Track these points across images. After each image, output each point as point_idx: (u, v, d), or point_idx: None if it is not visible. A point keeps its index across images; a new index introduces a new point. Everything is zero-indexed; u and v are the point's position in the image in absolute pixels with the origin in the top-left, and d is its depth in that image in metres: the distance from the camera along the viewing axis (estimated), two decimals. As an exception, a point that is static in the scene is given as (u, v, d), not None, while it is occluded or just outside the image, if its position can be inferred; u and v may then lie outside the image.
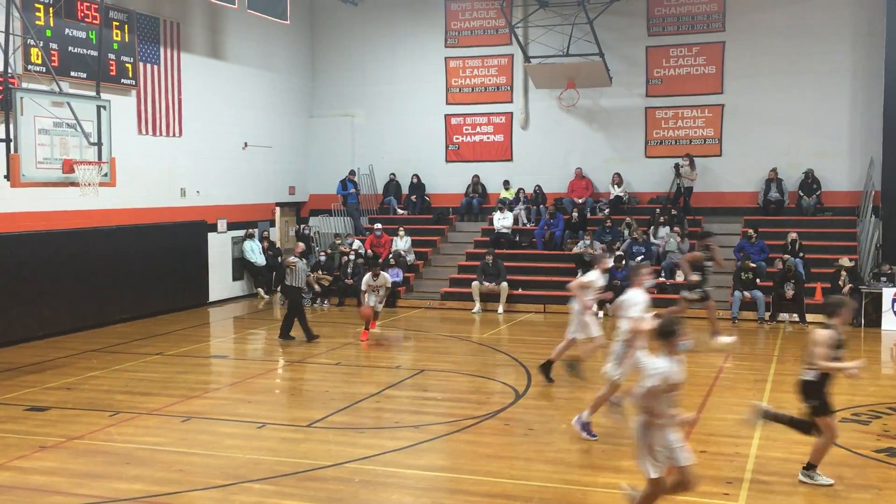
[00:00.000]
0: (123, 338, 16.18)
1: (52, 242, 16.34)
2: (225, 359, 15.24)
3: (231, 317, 19.60)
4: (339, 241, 21.93)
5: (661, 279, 19.35)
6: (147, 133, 19.00)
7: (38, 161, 12.94)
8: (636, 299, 9.51)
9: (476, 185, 23.66)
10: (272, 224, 23.63)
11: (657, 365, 6.41)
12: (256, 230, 22.37)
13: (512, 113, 23.68)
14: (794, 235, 19.05)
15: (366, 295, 16.04)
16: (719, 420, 10.37)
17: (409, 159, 24.27)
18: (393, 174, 24.40)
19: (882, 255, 18.65)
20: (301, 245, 17.39)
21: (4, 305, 15.28)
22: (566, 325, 17.50)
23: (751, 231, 19.46)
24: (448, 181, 24.12)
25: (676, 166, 21.54)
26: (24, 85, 14.48)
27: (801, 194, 20.96)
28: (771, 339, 16.32)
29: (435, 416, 10.62)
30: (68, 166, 13.27)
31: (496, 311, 19.39)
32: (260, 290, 21.94)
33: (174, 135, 19.82)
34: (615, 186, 22.25)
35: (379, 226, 22.06)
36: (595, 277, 11.55)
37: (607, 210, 21.90)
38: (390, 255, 21.22)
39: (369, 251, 21.67)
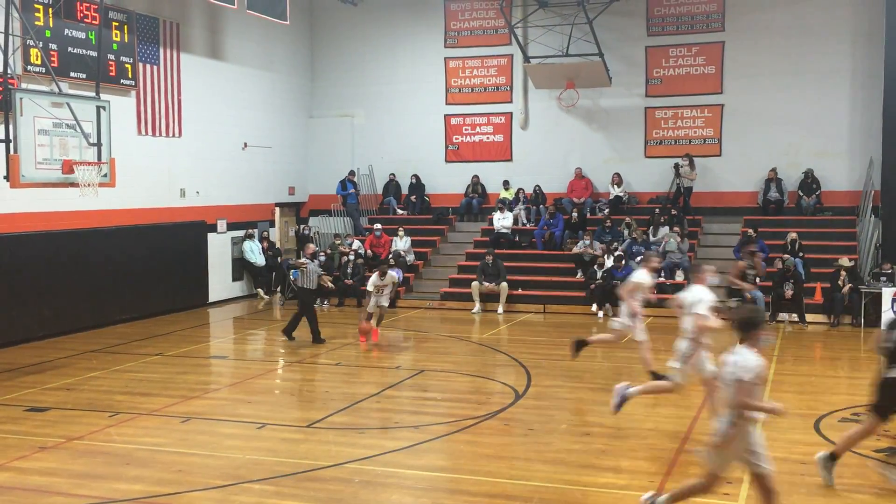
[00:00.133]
0: (123, 338, 16.17)
1: (52, 243, 16.34)
2: (225, 359, 15.24)
3: (231, 317, 19.60)
4: (339, 242, 21.93)
5: (661, 279, 19.37)
6: (147, 133, 19.01)
7: (38, 162, 12.93)
8: (700, 296, 9.25)
9: (476, 185, 23.66)
10: (272, 224, 23.63)
11: (748, 359, 6.10)
12: (256, 230, 22.37)
13: (511, 113, 23.69)
14: (793, 235, 19.06)
15: (372, 296, 15.43)
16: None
17: (408, 159, 24.27)
18: (392, 174, 24.40)
19: (882, 254, 18.65)
20: (311, 246, 17.27)
21: (4, 306, 15.28)
22: (567, 326, 17.69)
23: (750, 231, 19.47)
24: (448, 181, 24.12)
25: (676, 166, 21.55)
26: (24, 85, 14.49)
27: (801, 194, 20.97)
28: (770, 338, 16.30)
29: (435, 417, 10.62)
30: (68, 167, 13.27)
31: (496, 311, 19.39)
32: (260, 290, 21.94)
33: (174, 135, 19.82)
34: (615, 186, 22.25)
35: (378, 226, 22.06)
36: (644, 278, 11.47)
37: (607, 210, 21.91)
38: (390, 256, 21.22)
39: (369, 251, 21.67)
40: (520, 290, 19.94)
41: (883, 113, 19.32)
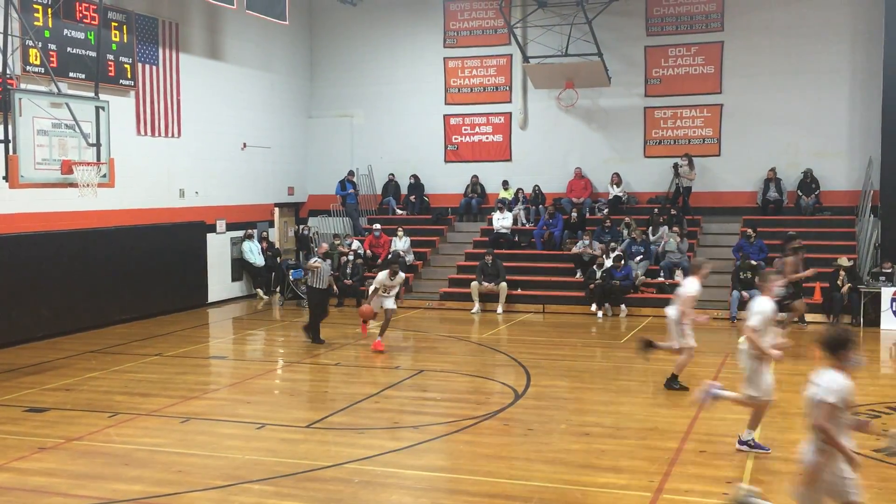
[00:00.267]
0: (122, 339, 16.17)
1: (51, 243, 16.33)
2: (224, 359, 15.23)
3: (230, 317, 19.59)
4: (339, 242, 21.92)
5: (661, 279, 19.39)
6: (146, 134, 19.00)
7: (37, 162, 12.92)
8: (761, 308, 8.85)
9: (475, 185, 23.66)
10: (271, 225, 23.63)
11: (834, 380, 5.67)
12: (255, 231, 22.36)
13: (511, 113, 23.68)
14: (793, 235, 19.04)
15: (377, 294, 14.76)
16: (718, 420, 10.36)
17: (407, 159, 24.27)
18: (392, 174, 24.40)
19: (881, 254, 18.66)
20: (325, 246, 17.15)
21: (3, 306, 15.27)
22: (566, 326, 17.70)
23: (749, 231, 19.47)
24: (447, 181, 24.12)
25: (675, 166, 21.55)
26: (23, 86, 14.48)
27: (800, 194, 20.97)
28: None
29: (434, 417, 10.62)
30: (67, 167, 13.26)
31: (495, 311, 19.39)
32: (259, 290, 21.93)
33: (173, 135, 19.81)
34: (614, 186, 22.24)
35: (378, 226, 22.06)
36: (696, 286, 11.29)
37: (606, 210, 21.91)
38: (389, 256, 21.19)
39: (368, 252, 21.67)
40: (519, 290, 19.93)
41: (882, 112, 19.33)
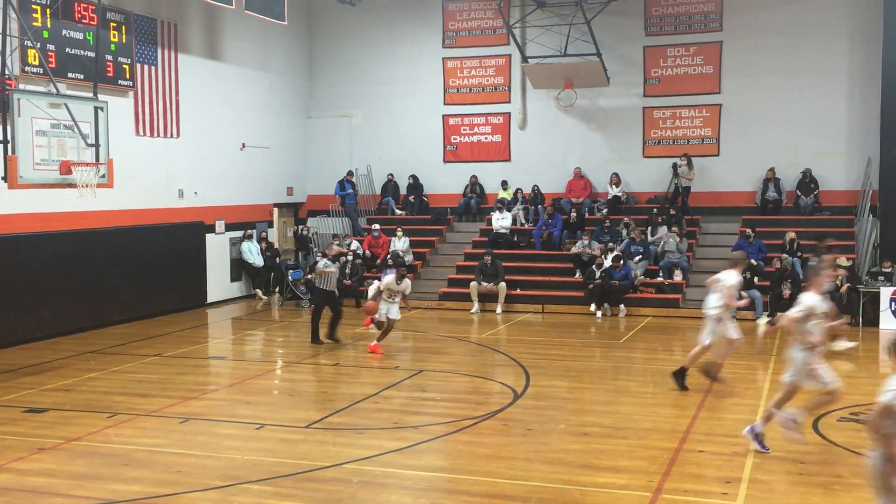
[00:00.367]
0: (122, 339, 16.16)
1: (50, 244, 16.32)
2: (223, 360, 15.23)
3: (229, 318, 19.59)
4: (338, 242, 21.90)
5: (660, 279, 19.39)
6: (144, 134, 18.99)
7: (36, 162, 12.93)
8: (807, 301, 8.73)
9: (474, 185, 23.66)
10: (270, 225, 23.62)
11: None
12: (255, 231, 22.36)
13: (510, 113, 23.69)
14: (792, 235, 19.07)
15: (382, 301, 14.32)
16: (717, 419, 10.38)
17: (407, 160, 24.27)
18: (391, 175, 24.40)
19: (880, 253, 18.67)
20: (336, 248, 17.04)
21: (2, 307, 15.26)
22: (566, 326, 17.70)
23: (749, 231, 19.48)
24: (446, 181, 24.11)
25: (674, 166, 21.56)
26: (22, 86, 14.46)
27: (799, 194, 20.98)
28: (769, 338, 16.30)
29: (433, 417, 10.62)
30: (66, 168, 13.26)
31: (494, 311, 19.39)
32: (258, 290, 21.92)
33: (172, 136, 19.81)
34: (613, 186, 22.25)
35: (377, 226, 22.05)
36: (736, 279, 11.37)
37: (605, 210, 21.91)
38: (388, 256, 21.22)
39: (367, 252, 21.67)
40: (518, 291, 19.93)
41: (881, 112, 19.32)
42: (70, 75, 16.66)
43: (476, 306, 19.53)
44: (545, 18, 22.03)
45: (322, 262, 15.57)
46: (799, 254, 18.68)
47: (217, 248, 21.28)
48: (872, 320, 17.09)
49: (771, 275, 18.15)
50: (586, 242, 20.27)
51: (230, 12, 19.67)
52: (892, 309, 17.01)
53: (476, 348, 15.56)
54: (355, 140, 24.87)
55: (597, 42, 21.11)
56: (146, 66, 18.94)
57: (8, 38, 13.44)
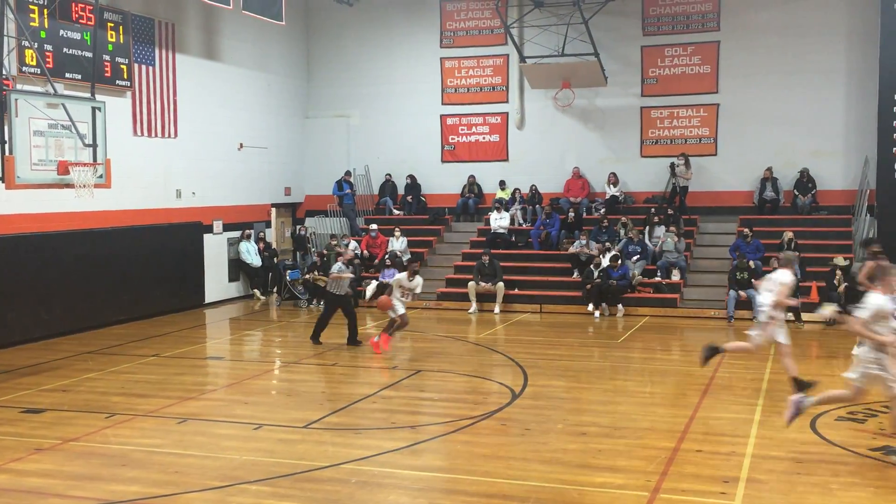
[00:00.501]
0: (119, 339, 16.15)
1: (48, 244, 16.31)
2: (221, 360, 15.22)
3: (227, 318, 19.58)
4: (336, 242, 21.91)
5: (657, 279, 19.41)
6: (142, 134, 18.98)
7: (33, 163, 12.92)
8: (873, 302, 8.56)
9: (472, 185, 23.66)
10: (268, 225, 23.61)
11: None
12: (252, 231, 22.35)
13: (507, 113, 23.69)
14: (789, 234, 19.09)
15: (393, 298, 14.14)
16: (715, 419, 10.38)
17: (404, 160, 24.27)
18: (389, 175, 24.39)
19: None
20: (350, 252, 16.94)
21: (0, 307, 15.25)
22: (564, 325, 17.70)
23: (746, 230, 19.50)
24: (444, 181, 24.12)
25: (672, 166, 21.57)
26: (19, 86, 14.44)
27: (797, 193, 21.01)
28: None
29: (431, 417, 10.62)
30: (63, 168, 13.25)
31: (492, 311, 19.39)
32: (256, 291, 21.91)
33: (169, 136, 19.80)
34: (611, 186, 22.27)
35: (374, 226, 22.05)
36: (790, 279, 11.06)
37: (603, 210, 21.92)
38: (386, 256, 21.22)
39: (365, 252, 21.66)
40: (516, 290, 19.94)
41: (878, 112, 19.37)
42: (67, 75, 16.65)
43: (474, 306, 19.53)
44: (543, 18, 22.05)
45: (336, 267, 15.37)
46: (797, 253, 18.67)
47: (215, 249, 21.27)
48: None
49: (768, 275, 18.12)
50: (584, 242, 20.29)
51: (228, 12, 19.66)
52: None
53: (474, 348, 15.57)
54: (353, 140, 24.86)
55: (594, 42, 21.13)
56: (144, 67, 18.93)
57: (5, 39, 13.42)
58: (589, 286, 18.99)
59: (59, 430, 10.03)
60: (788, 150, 21.32)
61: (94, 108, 13.81)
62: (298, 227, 24.09)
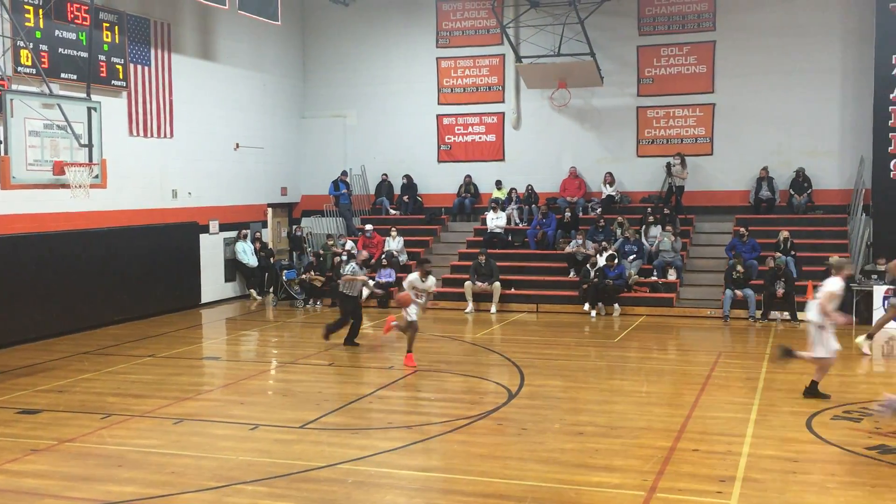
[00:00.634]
0: (115, 340, 16.12)
1: (43, 245, 16.28)
2: (217, 360, 15.21)
3: (223, 318, 19.55)
4: (332, 242, 21.91)
5: (654, 278, 19.42)
6: (138, 134, 18.95)
7: (29, 163, 12.89)
8: None
9: (468, 185, 23.66)
10: (264, 225, 23.59)
11: None
12: (249, 231, 22.32)
13: (504, 113, 23.69)
14: (785, 234, 19.11)
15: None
16: (712, 418, 10.39)
17: (401, 160, 24.26)
18: (385, 174, 24.39)
19: (873, 252, 18.72)
20: (364, 253, 16.87)
21: (-5, 308, 15.24)
22: (560, 325, 17.71)
23: (742, 230, 19.52)
24: (440, 181, 24.12)
25: (668, 165, 21.59)
26: (14, 87, 14.44)
27: (792, 193, 21.03)
28: (762, 337, 16.38)
29: (428, 417, 10.62)
30: (59, 168, 13.23)
31: (489, 310, 19.39)
32: (252, 291, 21.90)
33: (165, 136, 19.77)
34: (607, 186, 22.28)
35: (369, 227, 22.03)
36: (838, 287, 10.83)
37: (599, 209, 21.93)
38: (382, 256, 21.22)
39: (363, 252, 21.63)
40: (513, 290, 19.95)
41: (873, 111, 19.36)
42: (63, 75, 16.61)
43: (470, 306, 19.53)
44: (539, 18, 22.05)
45: (350, 268, 15.22)
46: (792, 253, 18.74)
47: (211, 249, 21.25)
48: (866, 319, 17.11)
49: (764, 274, 18.19)
50: (580, 242, 20.30)
51: (223, 12, 19.63)
52: (885, 307, 17.03)
53: (471, 348, 15.57)
54: (349, 140, 24.85)
55: (590, 42, 21.14)
56: (139, 67, 18.90)
57: (0, 39, 13.41)
58: (585, 286, 19.00)
59: (55, 431, 10.01)
60: (784, 150, 21.35)
61: (89, 109, 13.79)
62: (295, 227, 24.09)
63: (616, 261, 19.11)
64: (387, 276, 20.54)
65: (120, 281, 17.99)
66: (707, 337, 16.70)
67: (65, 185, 13.46)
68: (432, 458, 9.24)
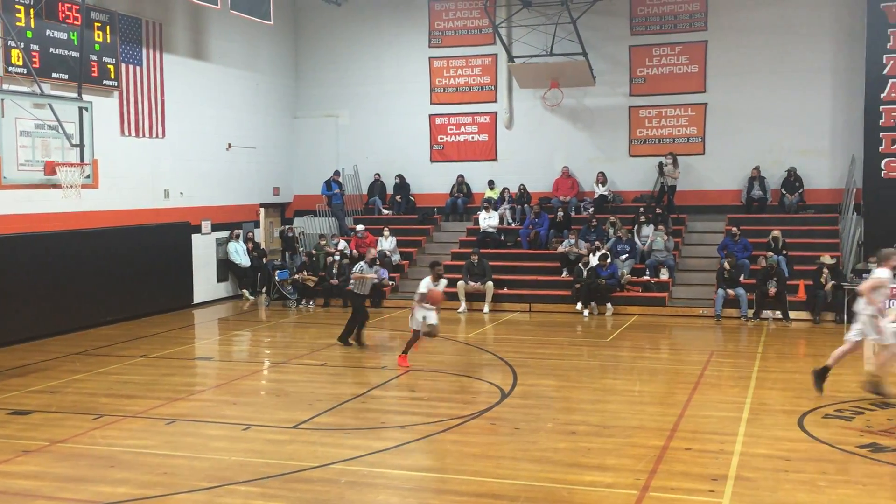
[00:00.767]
0: (107, 340, 16.08)
1: (35, 245, 16.21)
2: (210, 361, 15.18)
3: (216, 318, 19.52)
4: (325, 242, 21.89)
5: (646, 277, 19.46)
6: (130, 134, 18.90)
7: (20, 163, 12.89)
8: None
9: (461, 184, 23.67)
10: (257, 225, 23.56)
11: None
12: (241, 231, 22.29)
13: (496, 113, 23.71)
14: (776, 233, 19.17)
15: (417, 307, 13.22)
16: (704, 417, 10.42)
17: (393, 159, 24.25)
18: (378, 174, 24.37)
19: (864, 251, 18.79)
20: (374, 251, 16.84)
21: (-13, 309, 15.18)
22: (553, 325, 17.74)
23: (734, 229, 19.58)
24: (433, 181, 24.12)
25: (660, 165, 21.63)
26: (5, 87, 14.39)
27: (784, 192, 21.10)
28: (754, 336, 16.42)
29: (421, 416, 10.61)
30: (50, 168, 13.23)
31: (482, 310, 19.40)
32: (245, 291, 21.86)
33: (157, 136, 19.72)
34: (599, 185, 22.32)
35: (361, 227, 21.99)
36: (886, 276, 10.77)
37: (592, 209, 21.97)
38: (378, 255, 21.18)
39: (355, 251, 21.63)
40: (505, 290, 19.96)
41: (864, 111, 19.47)
42: (54, 75, 16.55)
43: (463, 306, 19.54)
44: (531, 18, 22.07)
45: (359, 267, 15.21)
46: (784, 252, 18.79)
47: (203, 249, 21.20)
48: (857, 318, 17.16)
49: (756, 273, 18.24)
50: (573, 241, 20.33)
51: (215, 12, 19.59)
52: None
53: (463, 347, 15.57)
54: (342, 140, 24.83)
55: (582, 41, 21.17)
56: (131, 66, 18.85)
57: (-9, 38, 13.38)
58: (578, 285, 19.03)
59: (47, 432, 9.98)
60: (776, 149, 21.42)
61: (81, 109, 13.78)
62: (287, 227, 24.05)
63: (608, 260, 19.14)
64: (383, 275, 20.50)
65: (112, 281, 17.93)
66: (699, 336, 16.74)
67: (56, 186, 13.45)
68: (425, 457, 9.24)
